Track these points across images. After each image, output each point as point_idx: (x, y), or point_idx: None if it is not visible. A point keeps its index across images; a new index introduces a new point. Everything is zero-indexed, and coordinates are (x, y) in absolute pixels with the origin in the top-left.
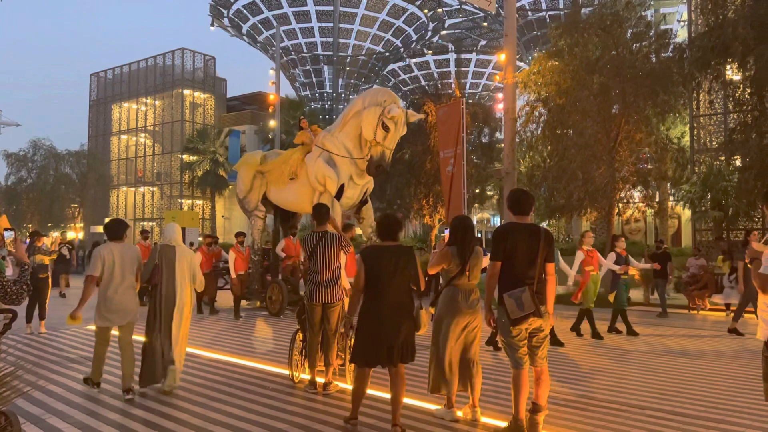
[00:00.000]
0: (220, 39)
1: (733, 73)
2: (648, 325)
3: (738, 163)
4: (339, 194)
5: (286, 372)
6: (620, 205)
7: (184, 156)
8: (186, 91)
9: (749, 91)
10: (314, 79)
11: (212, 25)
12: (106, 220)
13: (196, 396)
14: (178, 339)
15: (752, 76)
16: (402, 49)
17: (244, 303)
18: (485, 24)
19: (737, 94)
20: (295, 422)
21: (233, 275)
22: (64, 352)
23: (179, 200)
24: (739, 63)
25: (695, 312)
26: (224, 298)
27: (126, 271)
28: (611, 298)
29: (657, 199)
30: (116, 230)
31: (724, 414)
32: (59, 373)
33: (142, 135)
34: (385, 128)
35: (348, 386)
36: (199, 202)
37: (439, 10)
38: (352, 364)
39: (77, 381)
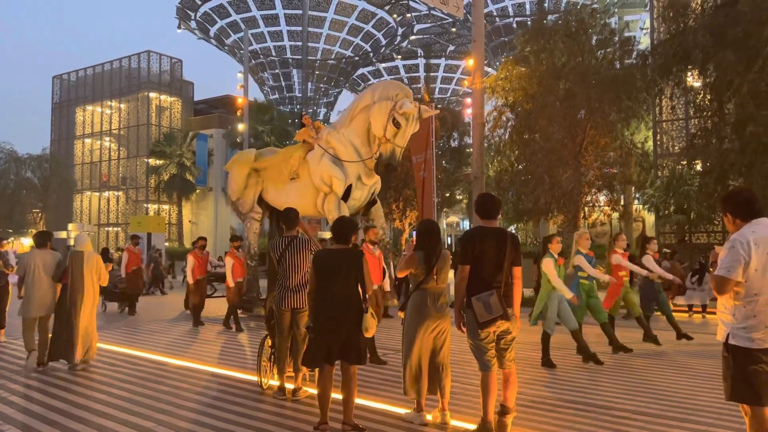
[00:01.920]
0: (187, 41)
1: (693, 80)
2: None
3: (699, 167)
4: (346, 196)
5: (255, 378)
6: (586, 208)
7: (150, 160)
8: (152, 94)
9: (709, 98)
10: (283, 83)
11: (179, 27)
12: (70, 226)
13: (163, 404)
14: (82, 328)
15: (712, 82)
16: (371, 54)
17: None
18: (454, 29)
19: (698, 100)
20: (264, 429)
21: (230, 284)
22: (24, 360)
23: (145, 205)
24: (700, 70)
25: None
26: (212, 308)
27: (46, 273)
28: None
29: (622, 203)
30: (41, 240)
31: (687, 413)
32: (18, 382)
33: (107, 139)
34: (396, 124)
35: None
36: (166, 206)
37: (408, 15)
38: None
39: (38, 390)
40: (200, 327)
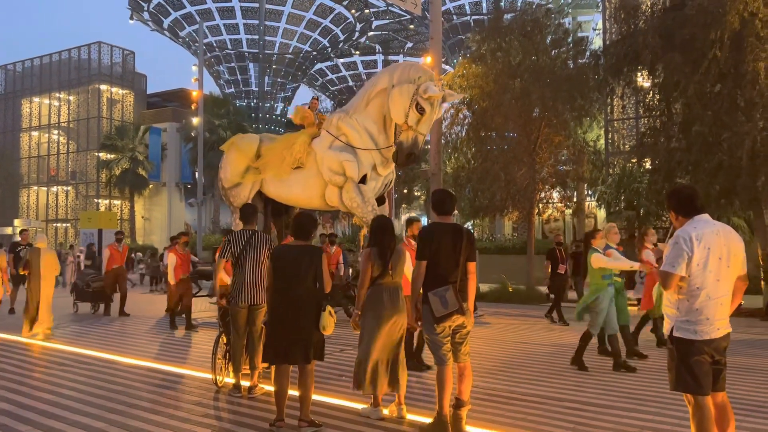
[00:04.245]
0: (140, 33)
1: (643, 80)
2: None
3: (648, 165)
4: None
5: (209, 376)
6: (540, 205)
7: (101, 154)
8: (103, 87)
9: (658, 98)
10: (239, 77)
11: (131, 18)
12: (16, 221)
13: (114, 404)
14: (41, 308)
15: (660, 83)
16: (329, 49)
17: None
18: (412, 27)
19: (647, 100)
20: (219, 426)
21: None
22: None
23: (96, 200)
24: (649, 70)
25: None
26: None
27: None
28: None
29: (575, 200)
30: None
31: (635, 403)
32: None
33: (55, 132)
34: (420, 110)
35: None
36: (117, 202)
37: (367, 11)
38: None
39: None
40: (175, 330)
